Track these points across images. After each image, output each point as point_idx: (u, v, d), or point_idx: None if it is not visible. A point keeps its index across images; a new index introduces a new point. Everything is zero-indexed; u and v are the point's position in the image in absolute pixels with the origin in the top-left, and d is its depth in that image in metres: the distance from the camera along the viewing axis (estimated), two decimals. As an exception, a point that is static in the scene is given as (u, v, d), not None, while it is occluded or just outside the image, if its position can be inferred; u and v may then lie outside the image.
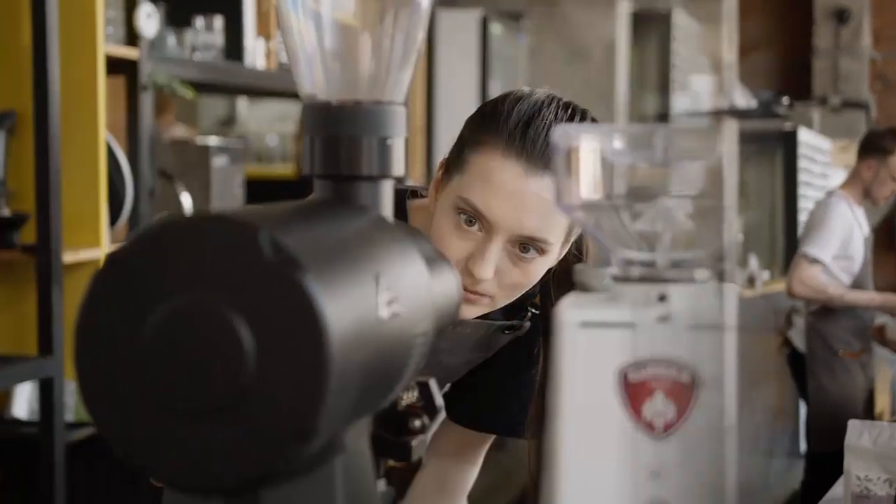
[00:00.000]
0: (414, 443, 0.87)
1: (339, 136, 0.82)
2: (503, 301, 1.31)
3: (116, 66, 2.74)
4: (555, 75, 5.66)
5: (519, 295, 1.32)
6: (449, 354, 1.41)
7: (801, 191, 7.03)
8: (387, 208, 0.84)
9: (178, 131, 4.01)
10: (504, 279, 1.28)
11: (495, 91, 6.38)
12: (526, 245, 1.26)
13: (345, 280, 0.68)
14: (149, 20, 2.73)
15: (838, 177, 8.44)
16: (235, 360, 0.64)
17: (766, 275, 6.40)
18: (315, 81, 0.84)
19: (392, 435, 0.88)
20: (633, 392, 0.71)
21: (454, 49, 5.62)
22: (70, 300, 2.44)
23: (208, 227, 0.66)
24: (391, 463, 0.99)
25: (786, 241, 7.27)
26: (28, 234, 2.50)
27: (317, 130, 0.83)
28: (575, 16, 5.70)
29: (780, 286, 6.69)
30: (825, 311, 4.48)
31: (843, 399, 4.37)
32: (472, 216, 1.26)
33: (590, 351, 0.72)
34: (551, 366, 0.74)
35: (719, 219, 0.76)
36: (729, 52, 5.67)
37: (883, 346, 4.86)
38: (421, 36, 0.86)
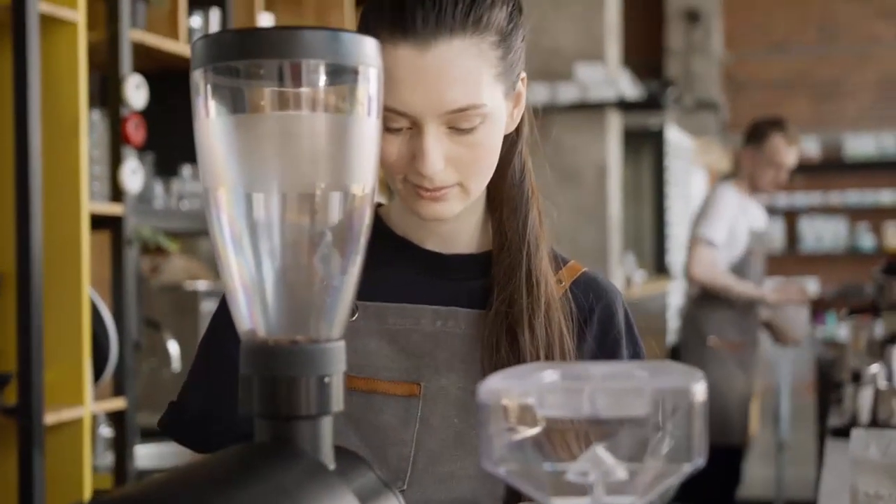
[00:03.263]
0: None
1: (277, 377, 0.82)
2: (476, 185, 1.22)
3: (101, 221, 2.76)
4: (547, 198, 5.69)
5: (489, 173, 1.22)
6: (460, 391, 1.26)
7: (667, 189, 7.10)
8: (326, 445, 0.83)
9: (179, 263, 4.02)
10: (459, 162, 1.19)
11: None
12: (461, 127, 1.17)
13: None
14: (134, 176, 2.76)
15: (700, 175, 8.58)
16: None
17: (641, 274, 6.41)
18: (253, 319, 0.84)
19: None
20: None
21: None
22: (52, 463, 2.43)
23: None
24: None
25: (654, 239, 7.28)
26: (9, 395, 2.49)
27: (255, 370, 0.83)
28: (566, 139, 5.77)
29: (657, 287, 6.69)
30: (703, 298, 4.35)
31: (713, 395, 4.22)
32: (392, 120, 1.17)
33: None
34: None
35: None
36: (611, 41, 5.72)
37: (776, 340, 4.79)
38: (357, 269, 0.86)
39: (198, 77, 0.82)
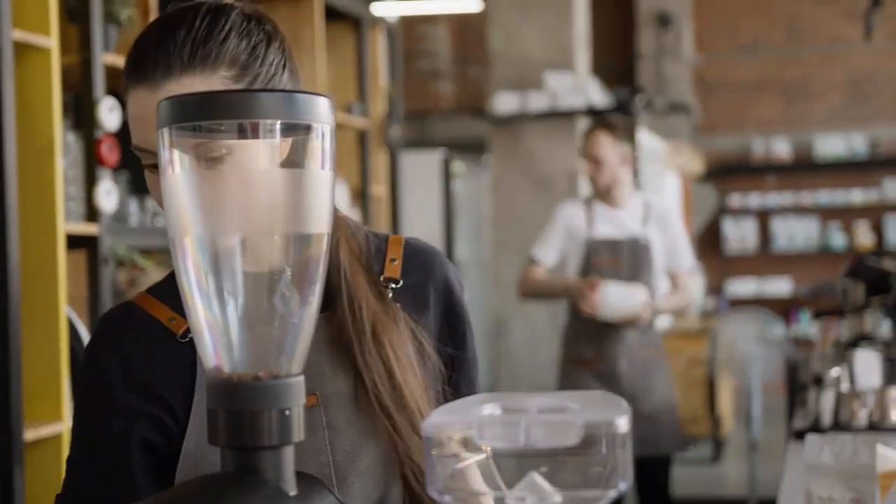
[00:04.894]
0: None
1: (241, 410, 0.89)
2: None
3: (77, 241, 2.82)
4: (520, 206, 5.79)
5: None
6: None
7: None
8: (288, 473, 0.90)
9: (156, 277, 4.05)
10: None
11: (460, 228, 6.56)
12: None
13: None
14: (108, 196, 2.82)
15: (672, 178, 8.70)
16: None
17: None
18: (218, 356, 0.91)
19: None
20: None
21: (418, 189, 5.76)
22: (32, 479, 2.48)
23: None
24: None
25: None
26: (-11, 413, 2.55)
27: (220, 403, 0.90)
28: (537, 147, 5.85)
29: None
30: (568, 317, 4.23)
31: None
32: (146, 157, 1.24)
33: None
34: None
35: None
36: (581, 49, 5.75)
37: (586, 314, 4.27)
38: (315, 308, 0.93)
39: (163, 135, 0.89)
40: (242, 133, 0.89)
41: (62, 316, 2.63)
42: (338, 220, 1.35)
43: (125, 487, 1.27)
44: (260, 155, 0.89)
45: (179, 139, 0.89)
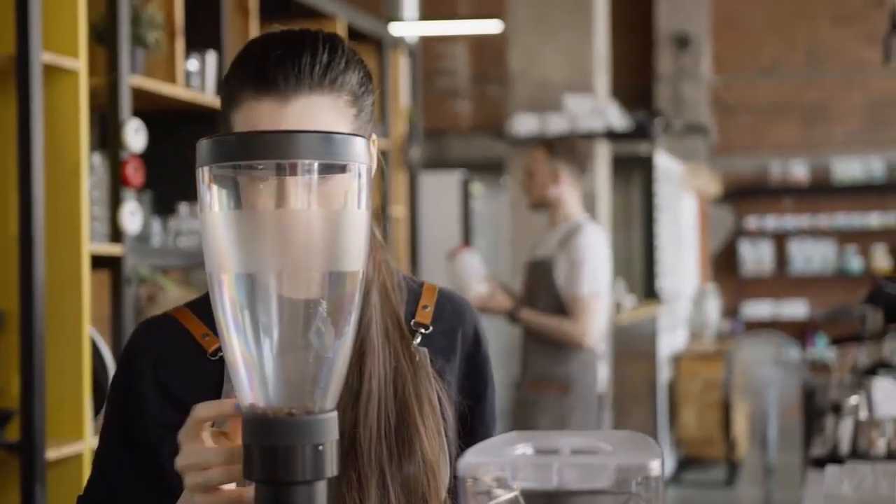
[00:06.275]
0: None
1: (275, 446, 0.90)
2: None
3: (101, 261, 2.84)
4: (538, 227, 5.78)
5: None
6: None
7: (656, 214, 7.19)
8: (321, 507, 0.91)
9: (174, 294, 4.06)
10: None
11: (479, 248, 6.56)
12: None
13: None
14: (133, 217, 2.84)
15: (689, 200, 8.71)
16: None
17: (630, 299, 6.47)
18: (254, 393, 0.92)
19: None
20: None
21: (437, 210, 5.77)
22: (53, 497, 2.50)
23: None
24: None
25: (644, 264, 7.33)
26: (12, 431, 2.57)
27: (255, 439, 0.91)
28: (556, 168, 5.84)
29: (647, 311, 6.79)
30: None
31: None
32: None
33: None
34: None
35: None
36: (600, 72, 5.78)
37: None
38: (349, 343, 0.94)
39: (203, 174, 0.90)
40: (281, 172, 0.91)
41: (86, 336, 2.65)
42: (377, 262, 1.34)
43: (157, 488, 1.28)
44: (297, 194, 0.91)
45: (219, 177, 0.90)
